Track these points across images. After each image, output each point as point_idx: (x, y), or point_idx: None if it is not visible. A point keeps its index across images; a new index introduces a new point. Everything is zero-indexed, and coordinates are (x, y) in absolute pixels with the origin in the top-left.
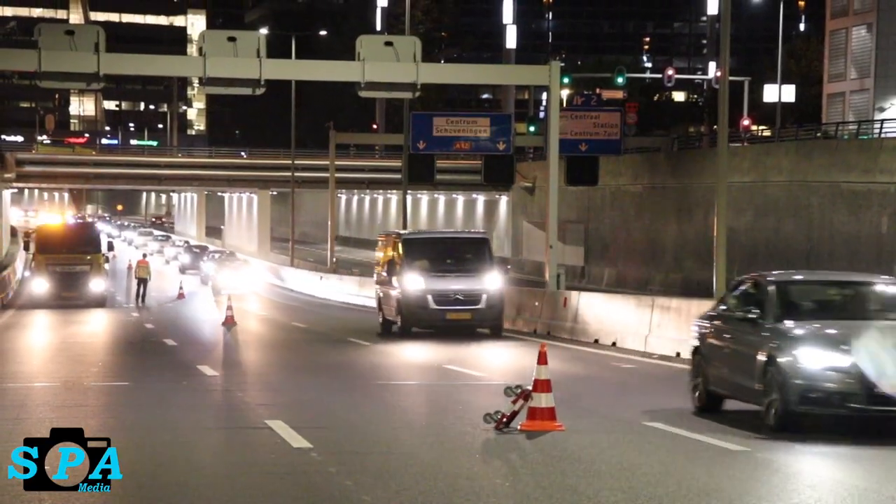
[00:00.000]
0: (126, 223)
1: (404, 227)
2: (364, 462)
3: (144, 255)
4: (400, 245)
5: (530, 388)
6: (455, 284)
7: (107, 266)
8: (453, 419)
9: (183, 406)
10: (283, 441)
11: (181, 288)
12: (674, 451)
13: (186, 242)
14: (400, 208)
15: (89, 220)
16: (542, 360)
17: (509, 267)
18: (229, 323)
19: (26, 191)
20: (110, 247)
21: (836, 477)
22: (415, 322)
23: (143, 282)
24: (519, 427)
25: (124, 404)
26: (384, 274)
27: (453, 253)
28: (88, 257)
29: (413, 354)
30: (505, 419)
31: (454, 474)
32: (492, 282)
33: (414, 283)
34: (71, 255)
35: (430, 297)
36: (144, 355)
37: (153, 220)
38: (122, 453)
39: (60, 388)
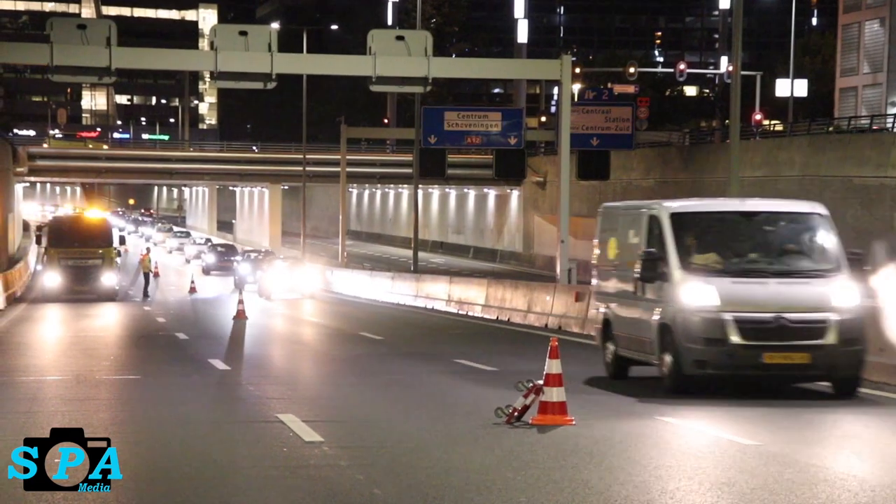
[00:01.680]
0: (139, 218)
1: (416, 223)
2: (375, 456)
3: (148, 249)
4: (664, 226)
5: (541, 382)
6: (777, 300)
7: (118, 260)
8: (464, 414)
9: (194, 400)
10: (294, 435)
11: (192, 282)
12: (686, 444)
13: (208, 240)
14: (411, 203)
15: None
16: (553, 354)
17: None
18: (240, 317)
19: (38, 185)
20: (122, 241)
21: (854, 473)
22: (701, 366)
23: (146, 275)
24: (530, 421)
25: (135, 398)
26: (620, 280)
27: (767, 241)
28: (100, 251)
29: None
30: (516, 413)
31: (465, 468)
32: (843, 294)
33: (699, 296)
34: (83, 249)
35: (730, 323)
36: (156, 349)
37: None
38: (133, 447)
39: (72, 382)
